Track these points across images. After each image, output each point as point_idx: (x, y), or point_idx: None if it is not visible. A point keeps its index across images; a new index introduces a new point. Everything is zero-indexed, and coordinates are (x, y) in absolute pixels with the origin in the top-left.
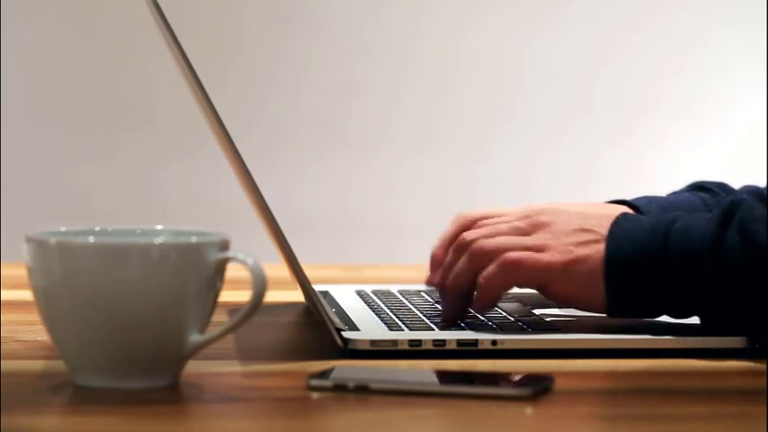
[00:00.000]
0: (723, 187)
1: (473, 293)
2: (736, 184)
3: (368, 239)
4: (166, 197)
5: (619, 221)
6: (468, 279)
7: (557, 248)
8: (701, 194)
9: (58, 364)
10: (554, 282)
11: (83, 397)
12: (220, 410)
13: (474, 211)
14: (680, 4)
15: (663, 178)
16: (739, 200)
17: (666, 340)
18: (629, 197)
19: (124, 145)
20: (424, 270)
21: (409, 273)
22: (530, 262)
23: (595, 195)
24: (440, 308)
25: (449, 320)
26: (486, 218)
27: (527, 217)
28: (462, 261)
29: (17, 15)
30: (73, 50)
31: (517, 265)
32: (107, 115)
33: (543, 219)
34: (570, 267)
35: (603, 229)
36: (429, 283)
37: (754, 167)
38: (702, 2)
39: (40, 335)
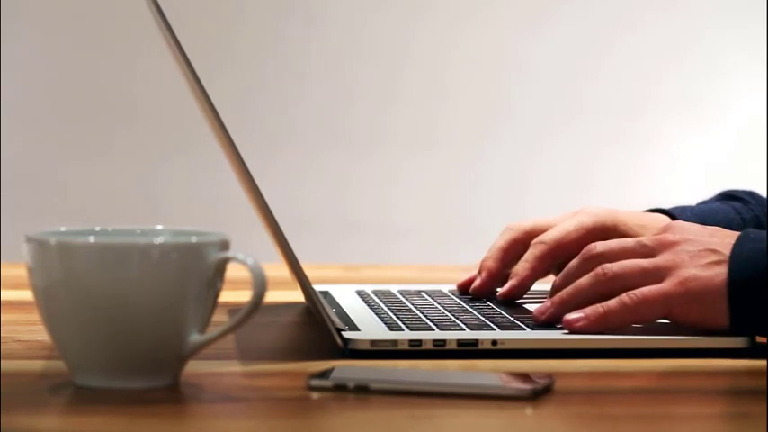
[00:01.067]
0: (752, 195)
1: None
2: (736, 184)
3: (365, 239)
4: (166, 197)
5: (740, 240)
6: (586, 298)
7: (679, 271)
8: (733, 204)
9: (58, 364)
10: (676, 309)
11: (83, 397)
12: (220, 410)
13: (524, 222)
14: (678, 3)
15: (661, 178)
16: None
17: (666, 340)
18: (628, 197)
19: (124, 145)
20: (422, 270)
21: (409, 273)
22: (649, 298)
23: (594, 195)
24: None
25: (539, 321)
26: (538, 228)
27: (653, 235)
28: (586, 279)
29: (17, 16)
30: (73, 51)
31: (638, 303)
32: (107, 115)
33: (668, 237)
34: (691, 292)
35: (727, 248)
36: (474, 290)
37: (754, 167)
38: (701, 1)
39: (40, 335)
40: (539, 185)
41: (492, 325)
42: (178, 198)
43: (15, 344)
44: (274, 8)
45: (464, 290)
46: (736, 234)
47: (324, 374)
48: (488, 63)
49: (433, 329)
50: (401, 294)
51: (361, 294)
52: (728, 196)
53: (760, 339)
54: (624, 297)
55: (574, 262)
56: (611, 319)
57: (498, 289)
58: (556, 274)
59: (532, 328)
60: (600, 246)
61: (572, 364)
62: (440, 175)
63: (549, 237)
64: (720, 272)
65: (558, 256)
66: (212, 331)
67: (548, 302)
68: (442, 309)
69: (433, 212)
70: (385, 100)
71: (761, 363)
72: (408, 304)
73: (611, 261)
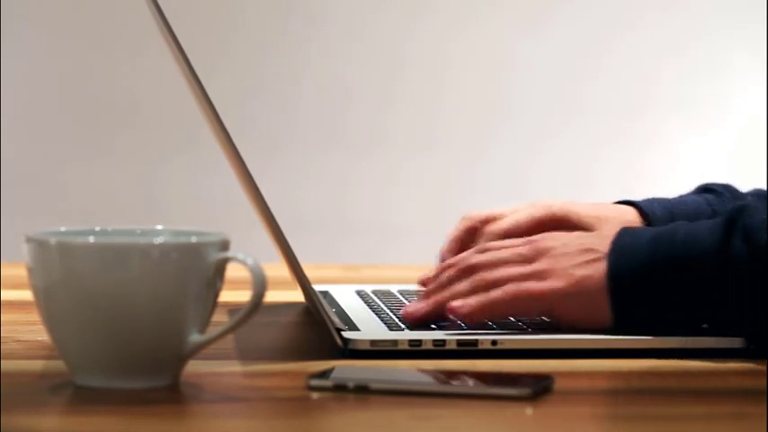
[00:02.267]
0: (728, 189)
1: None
2: (736, 183)
3: (365, 239)
4: (166, 197)
5: (619, 237)
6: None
7: (558, 273)
8: (707, 196)
9: (58, 364)
10: (558, 307)
11: (83, 397)
12: (220, 410)
13: (480, 212)
14: (678, 3)
15: (660, 177)
16: (743, 206)
17: (666, 340)
18: (627, 197)
19: (124, 145)
20: (422, 270)
21: (409, 273)
22: (533, 291)
23: (593, 195)
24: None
25: (412, 320)
26: (492, 218)
27: (529, 242)
28: (464, 284)
29: (17, 15)
30: (73, 51)
31: (519, 297)
32: (107, 115)
33: (545, 244)
34: (572, 290)
35: (605, 246)
36: (429, 281)
37: (754, 167)
38: (701, 1)
39: (40, 335)
40: (538, 185)
41: (492, 325)
42: (178, 198)
43: (15, 344)
44: (274, 8)
45: (424, 284)
46: (610, 234)
47: (324, 374)
48: (488, 63)
49: (434, 329)
50: (401, 294)
51: (361, 294)
52: (704, 189)
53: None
54: (508, 286)
55: (450, 271)
56: (495, 307)
57: None
58: None
59: (532, 329)
60: (475, 257)
61: (572, 364)
62: (439, 175)
63: (498, 227)
64: (598, 267)
65: None
66: (212, 331)
67: (420, 302)
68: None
69: (433, 212)
70: (385, 100)
71: (760, 363)
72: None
73: (488, 270)
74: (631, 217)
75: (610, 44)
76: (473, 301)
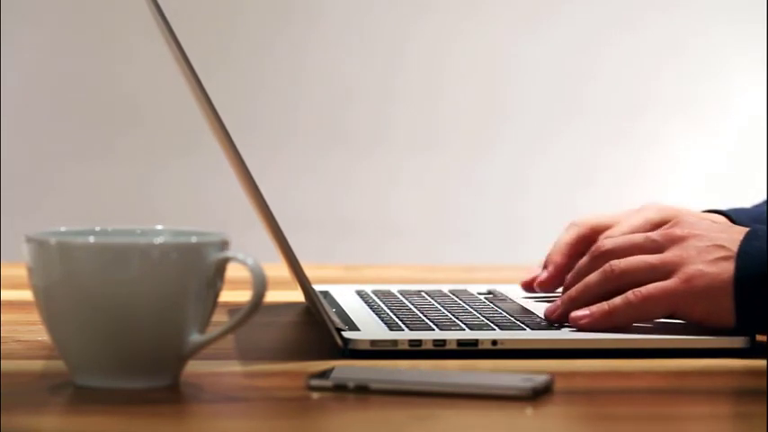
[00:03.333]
0: (737, 211)
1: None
2: (736, 184)
3: (364, 239)
4: (166, 197)
5: (749, 238)
6: (594, 295)
7: (685, 267)
8: None
9: (58, 364)
10: (682, 306)
11: (83, 397)
12: (220, 410)
13: (589, 218)
14: (678, 2)
15: (661, 178)
16: None
17: (666, 340)
18: (628, 197)
19: (124, 145)
20: (422, 270)
21: (409, 273)
22: (654, 295)
23: (593, 195)
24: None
25: (551, 319)
26: (601, 225)
27: (665, 228)
28: (594, 276)
29: (17, 15)
30: (73, 51)
31: (643, 300)
32: (107, 115)
33: (677, 232)
34: (696, 289)
35: (735, 245)
36: (540, 284)
37: (754, 167)
38: (701, 1)
39: (40, 335)
40: (539, 185)
41: (492, 325)
42: (178, 198)
43: (15, 344)
44: (274, 8)
45: (528, 287)
46: (744, 230)
47: (324, 374)
48: (488, 63)
49: (433, 329)
50: (401, 294)
51: (361, 294)
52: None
53: (760, 338)
54: (629, 295)
55: (584, 260)
56: (615, 317)
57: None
58: None
59: (533, 328)
60: (609, 242)
61: (572, 364)
62: (439, 175)
63: (617, 232)
64: (727, 268)
65: None
66: (212, 331)
67: (558, 301)
68: (441, 309)
69: (433, 212)
70: (385, 100)
71: (761, 363)
72: (408, 304)
73: (620, 257)
74: (742, 230)
75: (610, 44)
76: (595, 312)
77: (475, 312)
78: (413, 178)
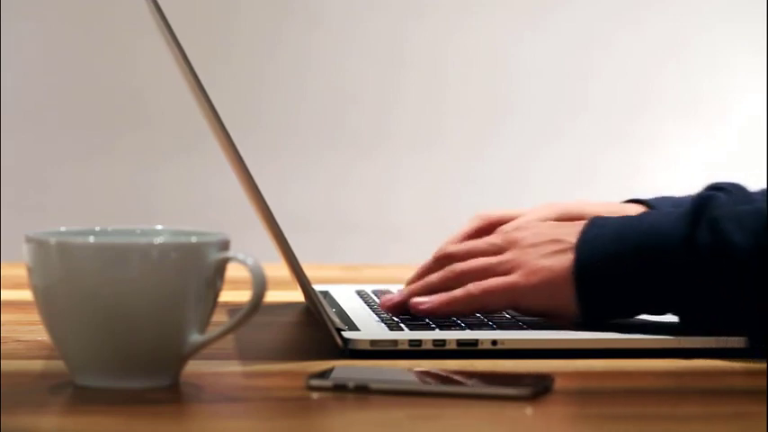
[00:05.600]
0: (737, 187)
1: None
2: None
3: (363, 239)
4: (166, 197)
5: (587, 227)
6: (435, 291)
7: (523, 265)
8: (717, 194)
9: (58, 364)
10: (523, 299)
11: (83, 397)
12: (220, 410)
13: (493, 211)
14: (678, 2)
15: (660, 177)
16: (709, 195)
17: (666, 340)
18: (628, 196)
19: (124, 145)
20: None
21: (409, 273)
22: (494, 287)
23: (593, 194)
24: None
25: (386, 309)
26: (505, 218)
27: (504, 233)
28: (435, 275)
29: (17, 15)
30: (73, 51)
31: (483, 291)
32: (107, 115)
33: (516, 235)
34: (536, 282)
35: (575, 236)
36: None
37: (754, 166)
38: (701, 0)
39: (40, 335)
40: (539, 185)
41: (492, 325)
42: (178, 198)
43: (15, 344)
44: (274, 8)
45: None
46: (583, 223)
47: (324, 374)
48: (487, 63)
49: (433, 329)
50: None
51: (361, 294)
52: (714, 188)
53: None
54: (470, 286)
55: (427, 262)
56: (455, 305)
57: None
58: None
59: (532, 328)
60: (451, 247)
61: (572, 364)
62: (440, 174)
63: (510, 228)
64: (564, 259)
65: None
66: (212, 331)
67: (396, 293)
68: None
69: (433, 212)
70: (385, 100)
71: (760, 363)
72: None
73: (462, 260)
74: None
75: (610, 43)
76: (435, 299)
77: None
78: (413, 178)
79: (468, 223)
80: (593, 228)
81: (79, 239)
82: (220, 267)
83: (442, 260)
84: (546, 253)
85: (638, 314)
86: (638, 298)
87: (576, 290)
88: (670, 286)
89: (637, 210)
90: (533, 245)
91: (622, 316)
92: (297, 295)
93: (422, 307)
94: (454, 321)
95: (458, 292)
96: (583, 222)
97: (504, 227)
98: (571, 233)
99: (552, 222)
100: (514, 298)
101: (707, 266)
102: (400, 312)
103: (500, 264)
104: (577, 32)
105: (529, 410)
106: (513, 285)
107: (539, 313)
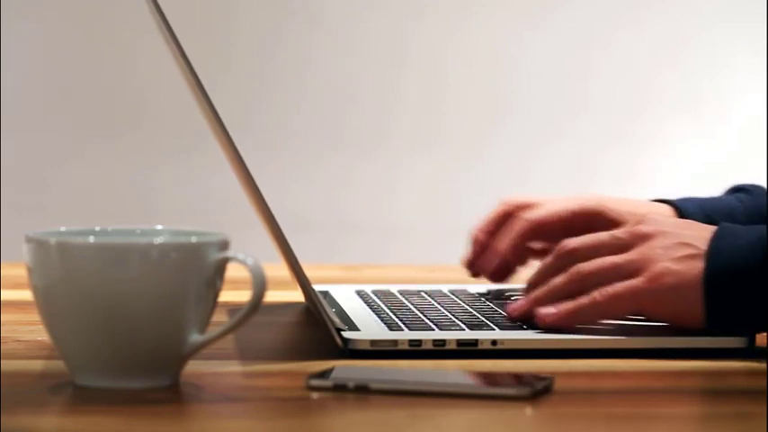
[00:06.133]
0: (758, 188)
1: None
2: (736, 181)
3: (363, 239)
4: (166, 197)
5: (717, 236)
6: (560, 297)
7: (652, 266)
8: (739, 195)
9: (58, 364)
10: (648, 305)
11: (83, 397)
12: (220, 410)
13: (518, 197)
14: (679, 2)
15: (661, 176)
16: None
17: (666, 340)
18: (629, 196)
19: (124, 145)
20: (422, 270)
21: (409, 273)
22: (621, 294)
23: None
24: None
25: (515, 317)
26: (529, 205)
27: (629, 227)
28: (560, 278)
29: (17, 15)
30: (73, 51)
31: (609, 299)
32: (107, 115)
33: (643, 230)
34: (663, 287)
35: (703, 242)
36: (469, 263)
37: (754, 166)
38: (701, 0)
39: (40, 335)
40: (539, 185)
41: (492, 325)
42: (178, 198)
43: (15, 344)
44: (274, 8)
45: (468, 266)
46: (712, 228)
47: (324, 374)
48: (487, 63)
49: (433, 329)
50: (401, 294)
51: (361, 294)
52: (736, 189)
53: (760, 340)
54: (596, 293)
55: (548, 259)
56: (581, 315)
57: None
58: (538, 259)
59: (532, 329)
60: (573, 242)
61: (572, 364)
62: (440, 174)
63: (532, 215)
64: (695, 266)
65: (539, 236)
66: (212, 331)
67: (522, 300)
68: (441, 309)
69: (434, 212)
70: (385, 99)
71: (760, 363)
72: (408, 304)
73: (585, 257)
74: (668, 214)
75: (611, 43)
76: (562, 309)
77: (475, 312)
78: (413, 178)
79: (494, 209)
80: (725, 237)
81: (79, 239)
82: (220, 267)
83: (564, 257)
84: (676, 257)
85: (763, 329)
86: (765, 310)
87: (704, 299)
88: None
89: (665, 210)
90: (663, 246)
91: (747, 327)
92: (297, 295)
93: (549, 320)
94: (453, 322)
95: (583, 300)
96: (711, 228)
97: (627, 220)
98: (700, 238)
99: (679, 221)
100: (640, 303)
101: None
102: (526, 319)
103: (627, 263)
104: (577, 32)
105: (529, 410)
106: (640, 290)
107: (664, 319)
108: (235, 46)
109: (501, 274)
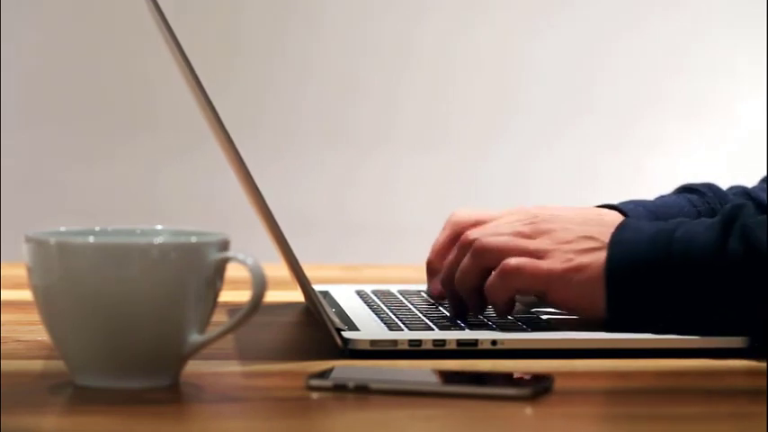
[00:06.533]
0: (711, 188)
1: (479, 290)
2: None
3: (366, 239)
4: (166, 197)
5: (621, 229)
6: (473, 276)
7: (558, 255)
8: (689, 196)
9: (58, 364)
10: (553, 289)
11: (83, 397)
12: (220, 410)
13: (466, 216)
14: (679, 3)
15: (662, 179)
16: (740, 205)
17: (666, 340)
18: (626, 198)
19: (124, 145)
20: (421, 270)
21: (409, 273)
22: (529, 268)
23: (594, 196)
24: (443, 309)
25: (457, 318)
26: (479, 222)
27: (530, 222)
28: (467, 259)
29: (17, 16)
30: (73, 51)
31: (517, 271)
32: (107, 115)
33: (546, 225)
34: (570, 275)
35: (606, 236)
36: (433, 291)
37: (754, 168)
38: (702, 2)
39: (40, 335)
40: (543, 186)
41: (492, 325)
42: (178, 198)
43: (15, 344)
44: (275, 7)
45: (439, 296)
46: (612, 223)
47: (323, 374)
48: (490, 63)
49: (433, 329)
50: (401, 294)
51: (360, 294)
52: (686, 189)
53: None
54: (501, 266)
55: (452, 254)
56: (497, 292)
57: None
58: None
59: (532, 329)
60: (474, 232)
61: (572, 364)
62: (441, 175)
63: (535, 218)
64: (598, 257)
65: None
66: (212, 331)
67: (449, 303)
68: (442, 309)
69: (436, 212)
70: (388, 99)
71: (760, 363)
72: (408, 304)
73: (488, 244)
74: (615, 221)
75: (615, 47)
76: (473, 271)
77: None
78: (414, 178)
79: (442, 232)
80: (627, 230)
81: (79, 239)
82: (220, 267)
83: (466, 247)
84: (580, 249)
85: (665, 319)
86: (666, 306)
87: (606, 290)
88: (701, 296)
89: (613, 216)
90: (565, 238)
91: (649, 320)
92: (297, 295)
93: (440, 286)
94: (454, 322)
95: (491, 276)
96: (613, 222)
97: (527, 213)
98: (603, 232)
99: (574, 216)
100: (547, 284)
101: (738, 274)
102: (443, 299)
103: (533, 249)
104: (582, 36)
105: (529, 410)
106: (549, 271)
107: (565, 307)
108: (236, 45)
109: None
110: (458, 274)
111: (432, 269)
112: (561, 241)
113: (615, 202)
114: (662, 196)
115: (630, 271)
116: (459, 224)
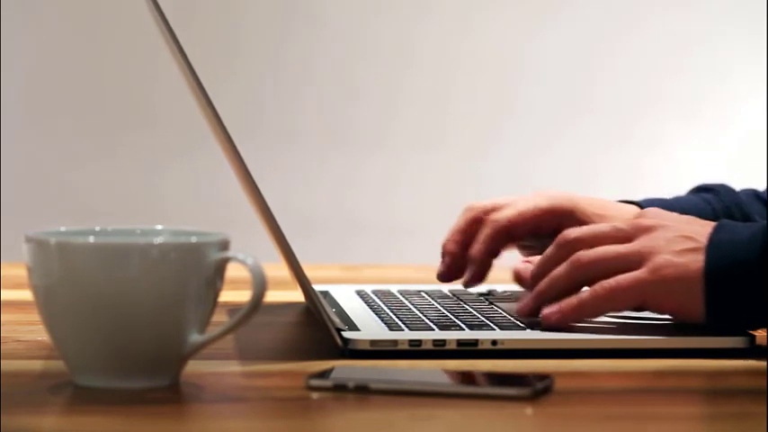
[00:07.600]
0: (724, 187)
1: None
2: (737, 185)
3: (368, 239)
4: (166, 197)
5: (719, 230)
6: (563, 288)
7: (654, 257)
8: (704, 195)
9: (58, 364)
10: (651, 297)
11: (83, 397)
12: (220, 410)
13: (483, 202)
14: (679, 4)
15: (662, 179)
16: None
17: (666, 340)
18: (630, 197)
19: (124, 145)
20: (422, 270)
21: (409, 273)
22: (623, 286)
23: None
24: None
25: (523, 316)
26: (495, 209)
27: (630, 220)
28: (562, 269)
29: (17, 15)
30: (73, 51)
31: (611, 292)
32: (107, 115)
33: (644, 222)
34: (665, 278)
35: (703, 237)
36: (444, 276)
37: (754, 169)
38: (702, 2)
39: (40, 335)
40: (544, 185)
41: (492, 325)
42: (179, 198)
43: (15, 344)
44: (276, 7)
45: (444, 279)
46: (711, 223)
47: (324, 374)
48: (492, 63)
49: (433, 329)
50: (401, 294)
51: (360, 294)
52: (701, 189)
53: (760, 338)
54: (597, 287)
55: (549, 250)
56: (584, 310)
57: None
58: (522, 252)
59: (532, 328)
60: (574, 232)
61: (572, 364)
62: (442, 175)
63: (502, 215)
64: (696, 259)
65: (512, 236)
66: (212, 331)
67: (527, 298)
68: (441, 309)
69: (438, 212)
70: (389, 99)
71: (761, 363)
72: (408, 304)
73: (586, 246)
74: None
75: (615, 46)
76: (564, 307)
77: (475, 312)
78: (416, 178)
79: (460, 217)
80: (725, 231)
81: (79, 239)
82: (220, 267)
83: (565, 246)
84: (678, 249)
85: (763, 324)
86: (765, 307)
87: (704, 293)
88: None
89: (631, 209)
90: (665, 238)
91: (748, 322)
92: (297, 295)
93: (554, 319)
94: (453, 322)
95: (585, 296)
96: (710, 223)
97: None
98: (701, 233)
99: (679, 216)
100: (643, 296)
101: None
102: (535, 316)
103: (630, 253)
104: (582, 36)
105: (529, 410)
106: (642, 282)
107: (666, 311)
108: (237, 45)
109: (477, 279)
110: (548, 280)
111: (450, 253)
112: (660, 240)
113: (636, 198)
114: (678, 196)
115: (729, 274)
116: (476, 209)
